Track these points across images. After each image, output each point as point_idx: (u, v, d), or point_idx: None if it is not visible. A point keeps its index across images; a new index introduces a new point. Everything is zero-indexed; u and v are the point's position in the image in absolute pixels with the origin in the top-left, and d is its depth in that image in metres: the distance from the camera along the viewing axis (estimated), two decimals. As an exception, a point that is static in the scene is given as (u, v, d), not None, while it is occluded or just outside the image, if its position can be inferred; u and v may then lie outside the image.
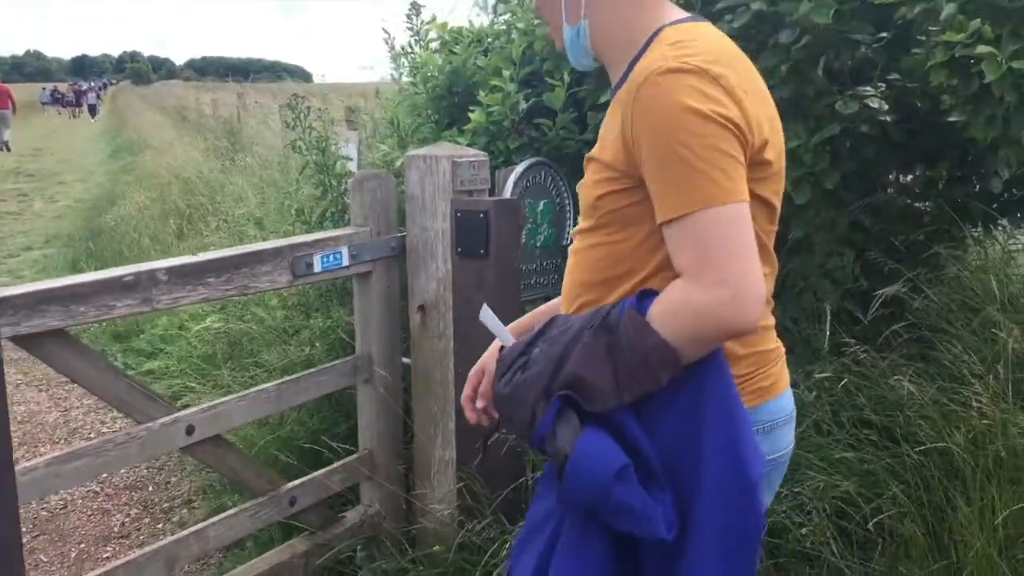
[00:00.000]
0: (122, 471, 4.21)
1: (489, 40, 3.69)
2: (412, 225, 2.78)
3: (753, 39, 2.63)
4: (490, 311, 1.55)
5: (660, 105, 1.32)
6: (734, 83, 1.35)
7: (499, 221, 2.61)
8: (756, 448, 1.36)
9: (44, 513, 3.88)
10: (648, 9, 1.51)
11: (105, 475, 4.17)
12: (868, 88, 2.57)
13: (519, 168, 2.93)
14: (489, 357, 1.64)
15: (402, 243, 2.82)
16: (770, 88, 2.57)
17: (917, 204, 3.04)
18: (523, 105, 3.11)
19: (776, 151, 1.45)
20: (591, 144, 3.01)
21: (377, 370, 2.85)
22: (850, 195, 2.78)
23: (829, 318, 2.71)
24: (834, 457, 2.48)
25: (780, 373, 1.57)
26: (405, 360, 2.95)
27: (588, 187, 1.51)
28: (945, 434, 2.31)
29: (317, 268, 2.56)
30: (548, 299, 3.08)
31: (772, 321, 1.57)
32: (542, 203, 3.05)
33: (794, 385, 2.43)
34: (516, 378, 1.39)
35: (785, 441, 1.59)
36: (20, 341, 1.96)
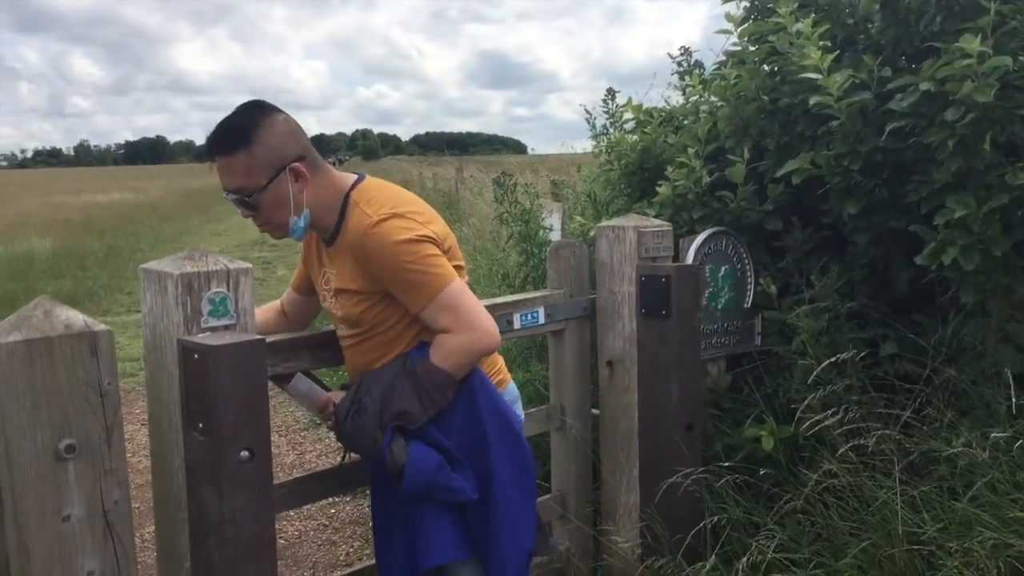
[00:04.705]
0: (347, 508, 4.72)
1: (679, 119, 4.00)
2: (601, 288, 3.10)
3: (924, 116, 2.79)
4: (303, 378, 2.27)
5: (383, 244, 2.06)
6: (417, 211, 2.15)
7: (679, 284, 2.87)
8: (512, 410, 2.32)
9: (282, 541, 4.39)
10: (330, 182, 2.19)
11: (333, 511, 4.69)
12: (1039, 159, 2.65)
13: (700, 237, 3.20)
14: (325, 403, 2.31)
15: (593, 304, 3.14)
16: (939, 161, 2.74)
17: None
18: (706, 179, 3.38)
19: (450, 242, 2.24)
20: (770, 215, 3.25)
21: (568, 419, 3.16)
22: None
23: (1012, 381, 2.75)
24: (1008, 516, 2.52)
25: (503, 372, 2.46)
26: (594, 411, 3.24)
27: (348, 310, 2.21)
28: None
29: (516, 325, 2.92)
30: (728, 357, 3.31)
31: None
32: (723, 269, 3.29)
33: (968, 445, 2.54)
34: (355, 419, 2.12)
35: (518, 412, 2.46)
36: (276, 379, 2.42)
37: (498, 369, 2.42)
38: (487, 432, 2.21)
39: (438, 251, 2.12)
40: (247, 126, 2.07)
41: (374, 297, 2.16)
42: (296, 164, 2.11)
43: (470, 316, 2.10)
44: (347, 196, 2.17)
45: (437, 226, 2.19)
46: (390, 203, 2.13)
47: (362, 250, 2.10)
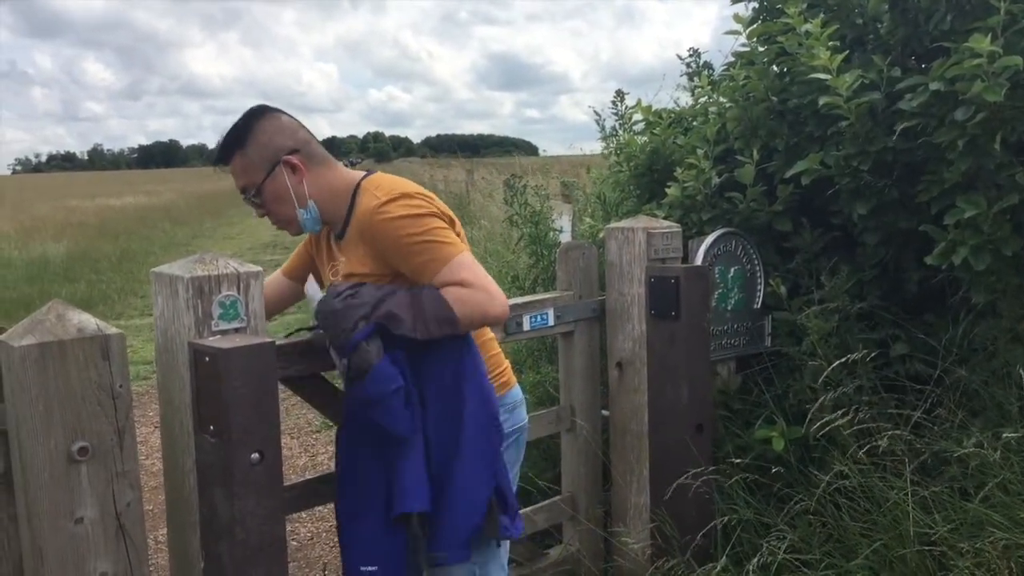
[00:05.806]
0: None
1: (689, 120, 4.00)
2: (611, 290, 3.10)
3: (934, 116, 2.78)
4: (313, 282, 2.23)
5: (391, 219, 2.08)
6: (426, 195, 2.17)
7: (689, 286, 2.88)
8: (493, 394, 2.22)
9: (294, 543, 4.41)
10: (338, 176, 2.25)
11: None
12: (1051, 159, 2.64)
13: (709, 238, 3.20)
14: None
15: (602, 306, 3.14)
16: (949, 161, 2.72)
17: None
18: (715, 180, 3.38)
19: (459, 228, 2.24)
20: (780, 215, 3.24)
21: (578, 420, 3.17)
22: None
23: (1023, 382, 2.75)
24: (1020, 517, 2.51)
25: (508, 374, 2.45)
26: (604, 412, 3.25)
27: None
28: None
29: (526, 327, 2.93)
30: (738, 358, 3.31)
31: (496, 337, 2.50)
32: (732, 270, 3.29)
33: (979, 445, 2.53)
34: (348, 300, 2.04)
35: (522, 416, 2.49)
36: (287, 381, 2.42)
37: (503, 371, 2.42)
38: (465, 404, 2.14)
39: (447, 226, 2.14)
40: (241, 130, 2.19)
41: (383, 280, 2.17)
42: (289, 157, 2.19)
43: (487, 281, 2.10)
44: (358, 186, 2.22)
45: (443, 209, 2.22)
46: (400, 187, 2.17)
47: (370, 231, 2.13)
